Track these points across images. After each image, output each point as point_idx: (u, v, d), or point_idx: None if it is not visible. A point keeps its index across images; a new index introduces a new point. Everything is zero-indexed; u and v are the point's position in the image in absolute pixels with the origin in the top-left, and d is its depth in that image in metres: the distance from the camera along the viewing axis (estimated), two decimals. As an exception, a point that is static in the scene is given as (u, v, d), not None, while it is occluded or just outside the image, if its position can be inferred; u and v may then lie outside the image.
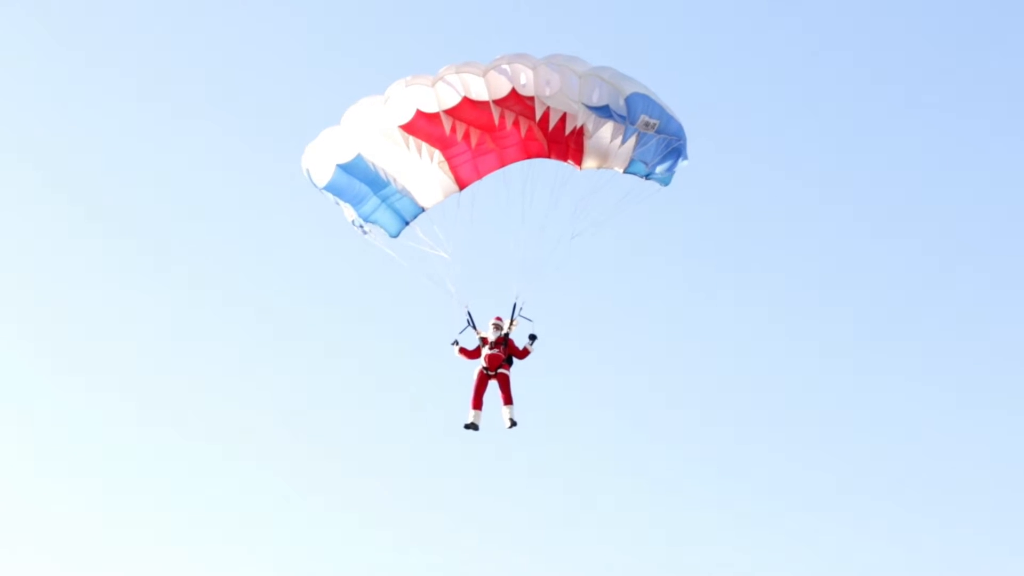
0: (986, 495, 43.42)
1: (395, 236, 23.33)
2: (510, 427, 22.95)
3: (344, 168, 22.46)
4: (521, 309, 22.97)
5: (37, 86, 51.21)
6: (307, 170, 22.80)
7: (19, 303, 48.24)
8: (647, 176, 22.52)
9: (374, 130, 22.02)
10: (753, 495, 43.29)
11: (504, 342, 23.02)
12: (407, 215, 23.26)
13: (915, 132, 53.54)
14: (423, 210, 23.21)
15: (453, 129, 21.79)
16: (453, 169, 22.76)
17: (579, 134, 21.87)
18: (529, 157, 22.68)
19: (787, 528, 42.61)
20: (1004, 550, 41.70)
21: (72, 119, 50.93)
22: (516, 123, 21.82)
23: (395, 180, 22.81)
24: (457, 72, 21.32)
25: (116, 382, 46.10)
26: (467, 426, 23.01)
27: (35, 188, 50.26)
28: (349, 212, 23.16)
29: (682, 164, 22.46)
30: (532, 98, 21.29)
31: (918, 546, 41.99)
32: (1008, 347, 47.75)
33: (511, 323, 23.04)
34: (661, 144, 21.94)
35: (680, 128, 21.97)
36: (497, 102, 21.35)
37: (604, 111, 21.24)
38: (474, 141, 22.12)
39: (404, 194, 22.99)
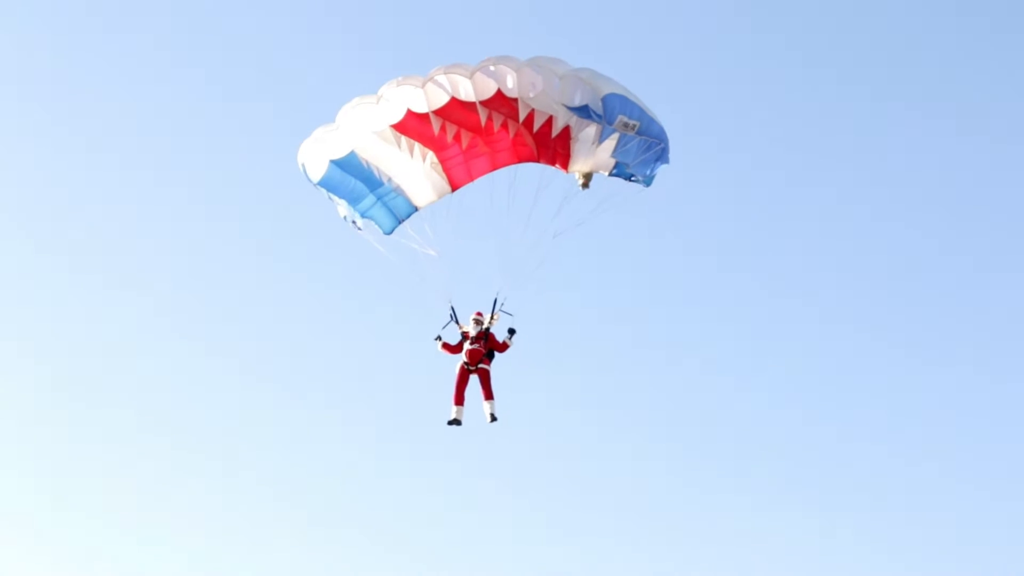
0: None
1: (389, 233, 23.75)
2: (491, 422, 23.26)
3: (338, 164, 22.92)
4: (502, 304, 23.36)
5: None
6: (302, 165, 23.28)
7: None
8: (629, 178, 22.82)
9: (367, 129, 22.48)
10: (738, 494, 43.53)
11: (485, 336, 23.39)
12: (401, 213, 23.67)
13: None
14: (416, 209, 23.63)
15: (443, 129, 22.17)
16: (447, 171, 23.16)
17: (565, 137, 22.20)
18: (520, 161, 23.04)
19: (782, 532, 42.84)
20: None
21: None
22: (504, 125, 22.17)
23: (390, 179, 23.26)
24: (446, 73, 21.73)
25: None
26: (450, 422, 23.34)
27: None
28: (342, 208, 23.62)
29: (663, 166, 22.76)
30: (516, 100, 21.66)
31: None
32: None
33: (492, 318, 23.41)
34: (643, 146, 22.23)
35: (662, 131, 22.27)
36: (483, 103, 21.72)
37: (583, 111, 21.59)
38: (465, 143, 22.50)
39: (399, 193, 23.42)
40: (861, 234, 52.03)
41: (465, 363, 23.39)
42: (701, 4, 54.12)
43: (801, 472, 44.40)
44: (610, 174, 22.71)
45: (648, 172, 22.76)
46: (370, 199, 23.38)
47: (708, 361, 48.08)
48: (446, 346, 23.57)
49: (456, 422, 23.32)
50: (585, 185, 22.65)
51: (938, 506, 43.31)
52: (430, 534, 41.83)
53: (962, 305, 49.79)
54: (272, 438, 44.87)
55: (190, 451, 44.31)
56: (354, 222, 23.62)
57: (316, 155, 22.95)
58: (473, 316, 23.53)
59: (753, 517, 42.61)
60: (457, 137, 22.34)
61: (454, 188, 23.34)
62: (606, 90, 21.45)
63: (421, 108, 21.84)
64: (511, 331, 23.41)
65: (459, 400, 23.34)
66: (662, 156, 22.58)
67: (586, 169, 22.69)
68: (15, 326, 47.78)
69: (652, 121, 22.05)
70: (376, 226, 23.67)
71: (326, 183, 23.16)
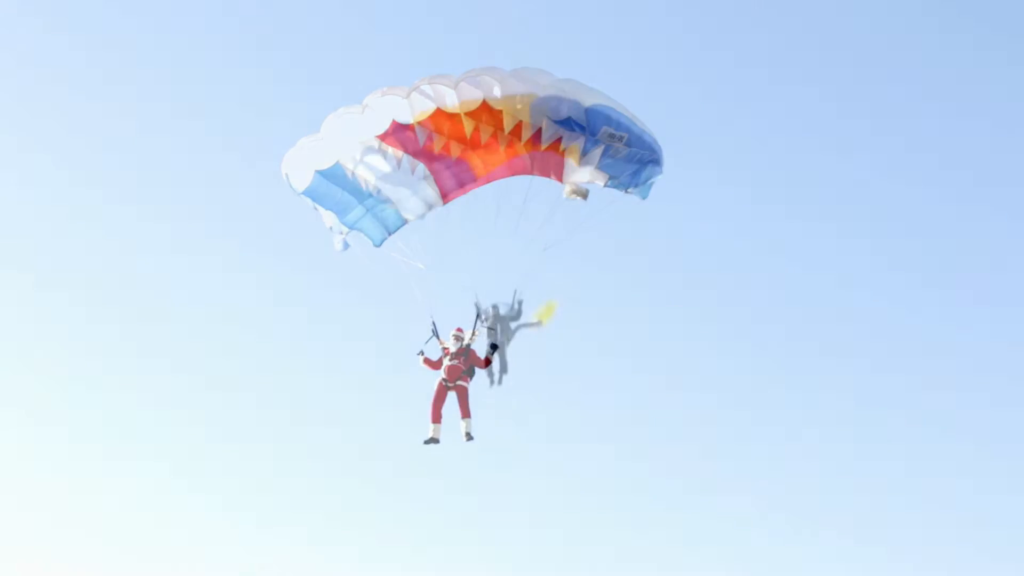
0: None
1: (378, 245, 23.44)
2: (467, 441, 22.81)
3: (323, 174, 22.64)
4: (485, 320, 22.97)
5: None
6: (286, 175, 23.01)
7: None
8: (625, 189, 22.40)
9: (353, 139, 22.22)
10: (724, 499, 43.39)
11: (465, 353, 22.96)
12: (390, 226, 23.36)
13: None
14: (406, 221, 23.30)
15: (429, 139, 21.89)
16: (437, 183, 22.82)
17: (555, 149, 21.89)
18: (514, 174, 22.72)
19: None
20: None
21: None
22: (493, 136, 21.85)
23: (379, 190, 22.93)
24: (430, 83, 21.47)
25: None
26: (427, 441, 22.88)
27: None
28: (327, 218, 23.31)
29: (658, 177, 22.37)
30: (502, 111, 21.37)
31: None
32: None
33: (472, 333, 23.00)
34: (633, 157, 21.84)
35: (653, 142, 21.86)
36: (468, 114, 21.44)
37: (567, 123, 21.30)
38: (455, 154, 22.19)
39: (388, 205, 23.10)
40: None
41: (444, 380, 22.92)
42: (700, 4, 54.34)
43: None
44: (605, 185, 22.31)
45: (641, 183, 22.34)
46: (359, 211, 23.07)
47: (707, 368, 48.08)
48: (427, 361, 23.16)
49: (434, 440, 22.84)
50: (578, 195, 22.31)
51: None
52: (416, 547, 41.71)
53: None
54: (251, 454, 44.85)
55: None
56: (340, 232, 23.28)
57: (300, 165, 22.67)
58: (453, 332, 23.12)
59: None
60: (446, 148, 22.03)
61: (445, 200, 22.99)
62: (590, 101, 21.13)
63: (406, 119, 21.59)
64: (493, 347, 22.93)
65: (436, 418, 22.85)
66: (655, 166, 22.18)
67: (581, 181, 22.26)
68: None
69: (642, 132, 21.67)
70: (365, 238, 23.33)
71: (311, 193, 22.87)
